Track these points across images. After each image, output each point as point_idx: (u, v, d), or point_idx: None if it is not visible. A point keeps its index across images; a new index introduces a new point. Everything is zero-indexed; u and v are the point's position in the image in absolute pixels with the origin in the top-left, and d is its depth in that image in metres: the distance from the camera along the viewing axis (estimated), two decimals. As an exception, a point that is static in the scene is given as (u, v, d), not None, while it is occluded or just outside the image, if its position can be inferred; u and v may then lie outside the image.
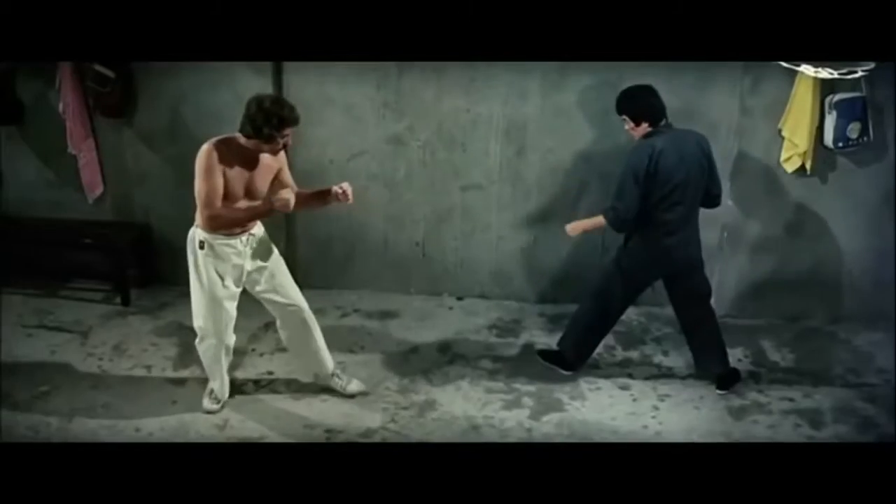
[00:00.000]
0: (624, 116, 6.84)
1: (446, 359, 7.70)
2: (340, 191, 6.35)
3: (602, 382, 7.34)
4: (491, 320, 8.33)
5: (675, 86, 7.80)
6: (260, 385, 7.26)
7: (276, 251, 6.76)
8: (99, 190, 8.57)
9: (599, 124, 7.99)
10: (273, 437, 6.62)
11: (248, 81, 8.00)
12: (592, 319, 7.32)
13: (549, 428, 6.82)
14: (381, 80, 7.98)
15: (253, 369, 7.47)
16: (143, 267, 8.72)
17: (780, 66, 6.69)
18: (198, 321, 6.68)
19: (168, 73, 8.10)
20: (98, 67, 8.04)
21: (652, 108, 6.75)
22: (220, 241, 6.41)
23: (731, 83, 7.80)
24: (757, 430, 6.79)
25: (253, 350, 7.70)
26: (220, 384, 6.96)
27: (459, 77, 7.96)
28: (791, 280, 8.25)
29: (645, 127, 6.76)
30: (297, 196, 6.35)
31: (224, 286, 6.52)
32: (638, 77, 7.62)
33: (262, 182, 6.39)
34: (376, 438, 6.67)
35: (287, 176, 6.59)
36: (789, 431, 6.84)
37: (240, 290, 6.64)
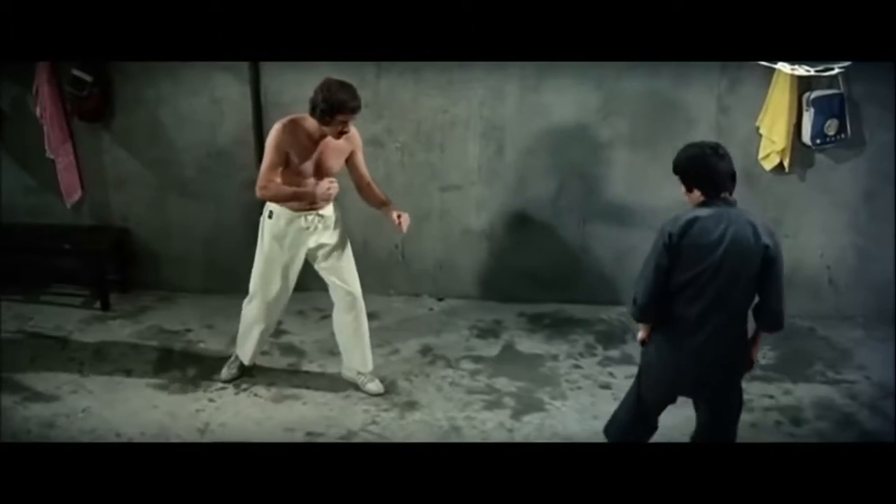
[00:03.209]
0: (677, 175, 5.51)
1: (427, 360, 7.70)
2: (396, 216, 6.71)
3: (583, 382, 7.35)
4: (471, 321, 8.33)
5: (652, 84, 7.83)
6: (240, 389, 7.24)
7: (343, 236, 6.97)
8: (77, 195, 8.53)
9: (577, 124, 8.00)
10: (254, 440, 6.59)
11: (226, 86, 8.02)
12: (627, 418, 6.01)
13: (530, 428, 6.83)
14: (358, 81, 7.91)
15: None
16: (122, 271, 8.70)
17: (758, 63, 6.69)
18: (252, 282, 7.03)
19: (146, 77, 8.08)
20: (75, 71, 8.01)
21: (711, 175, 5.36)
22: (287, 215, 6.71)
23: (708, 81, 7.82)
24: (739, 428, 6.79)
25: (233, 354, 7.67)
26: (246, 352, 7.29)
27: (437, 78, 7.97)
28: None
29: (698, 196, 5.40)
30: (371, 190, 6.88)
31: (280, 255, 6.83)
32: (617, 75, 7.67)
33: (333, 162, 6.67)
34: (357, 440, 6.66)
35: (360, 160, 6.85)
36: (770, 428, 6.86)
37: (297, 264, 6.93)
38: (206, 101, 8.10)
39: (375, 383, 7.20)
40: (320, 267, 6.98)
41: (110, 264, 8.57)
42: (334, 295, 7.05)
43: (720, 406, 5.72)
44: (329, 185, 6.49)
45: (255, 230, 7.57)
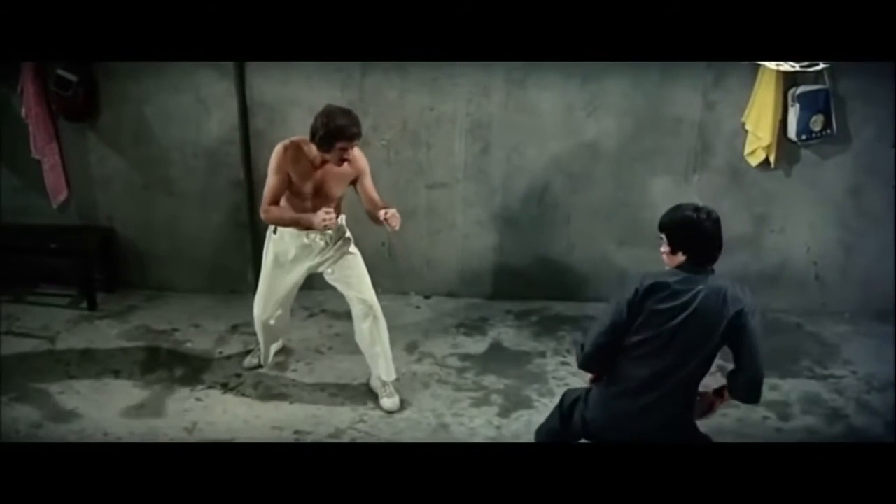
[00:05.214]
0: (662, 235, 5.08)
1: (414, 358, 7.70)
2: (383, 213, 6.46)
3: (571, 378, 7.34)
4: (458, 318, 8.34)
5: (638, 80, 7.84)
6: (228, 388, 7.24)
7: (349, 246, 6.93)
8: (63, 194, 8.51)
9: (564, 121, 8.01)
10: (242, 439, 6.59)
11: (211, 84, 7.99)
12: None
13: (518, 426, 6.82)
14: (344, 80, 7.96)
15: (221, 371, 7.45)
16: (109, 271, 8.68)
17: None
18: (258, 292, 7.09)
19: (131, 76, 8.05)
20: (60, 71, 7.98)
21: (705, 243, 4.97)
22: (289, 232, 6.71)
23: (694, 77, 7.82)
24: (726, 422, 6.78)
25: (220, 353, 7.69)
26: (263, 350, 7.42)
27: (423, 76, 7.95)
28: (757, 273, 8.27)
29: (681, 259, 5.00)
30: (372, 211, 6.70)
31: (280, 268, 6.88)
32: (603, 72, 7.65)
33: (335, 186, 6.63)
34: (345, 439, 6.66)
35: (369, 185, 6.75)
36: (758, 423, 6.88)
37: (298, 279, 6.97)
38: (192, 99, 8.08)
39: (393, 400, 7.05)
40: (331, 279, 6.95)
41: (97, 264, 8.55)
42: (350, 304, 7.00)
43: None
44: (325, 217, 6.32)
45: (241, 229, 7.58)
